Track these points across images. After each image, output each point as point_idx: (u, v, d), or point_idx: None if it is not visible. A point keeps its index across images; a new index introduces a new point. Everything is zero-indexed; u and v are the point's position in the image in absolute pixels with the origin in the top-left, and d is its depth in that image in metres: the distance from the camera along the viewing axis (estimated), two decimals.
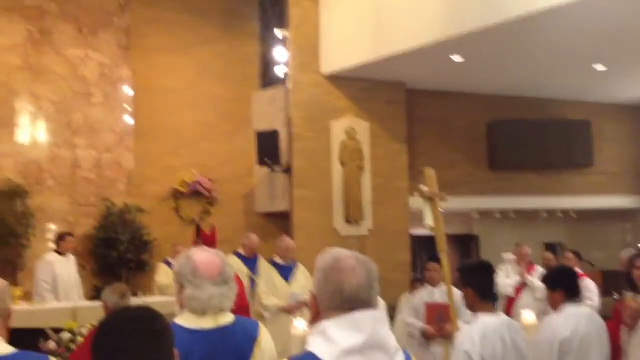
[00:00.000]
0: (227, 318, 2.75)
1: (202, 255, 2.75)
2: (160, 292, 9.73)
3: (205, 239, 8.42)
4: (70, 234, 9.64)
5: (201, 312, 2.55)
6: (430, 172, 5.03)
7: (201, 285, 2.66)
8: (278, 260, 8.23)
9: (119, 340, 1.74)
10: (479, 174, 13.10)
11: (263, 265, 8.43)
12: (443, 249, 5.04)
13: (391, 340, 2.03)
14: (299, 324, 3.25)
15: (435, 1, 9.84)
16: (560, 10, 8.32)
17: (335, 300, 2.01)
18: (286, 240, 8.50)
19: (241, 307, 5.01)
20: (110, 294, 4.95)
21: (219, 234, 9.57)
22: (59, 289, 9.09)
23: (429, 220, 5.00)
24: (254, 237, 9.03)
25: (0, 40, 10.90)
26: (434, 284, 6.75)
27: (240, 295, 5.30)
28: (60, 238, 9.48)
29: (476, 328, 3.67)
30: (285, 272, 8.19)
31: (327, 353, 1.92)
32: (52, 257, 9.34)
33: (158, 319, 1.85)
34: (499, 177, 13.29)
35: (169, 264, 9.66)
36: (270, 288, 7.99)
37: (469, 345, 3.59)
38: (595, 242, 13.50)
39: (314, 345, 1.96)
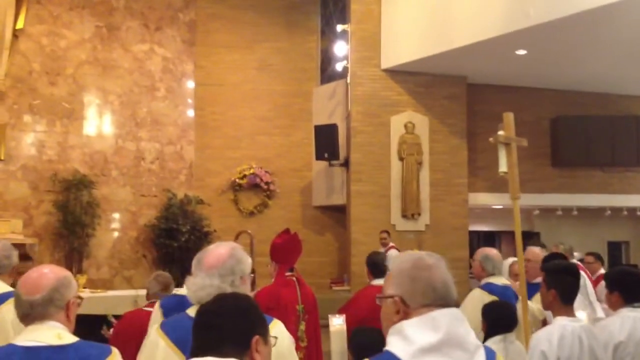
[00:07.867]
0: None
1: (215, 248, 2.76)
2: None
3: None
4: None
5: (196, 302, 2.56)
6: (509, 117, 4.88)
7: (196, 276, 2.68)
8: None
9: (211, 317, 2.00)
10: (542, 171, 12.78)
11: None
12: (516, 196, 4.82)
13: (471, 338, 2.02)
14: (336, 320, 3.19)
15: None
16: (629, 2, 8.05)
17: (428, 296, 2.03)
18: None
19: None
20: (154, 284, 5.00)
21: (276, 226, 9.57)
22: None
23: (503, 166, 4.81)
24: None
25: (69, 36, 11.30)
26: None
27: None
28: None
29: (554, 330, 3.60)
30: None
31: (404, 352, 1.94)
32: None
33: (244, 299, 2.09)
34: (562, 174, 12.94)
35: None
36: None
37: (547, 346, 3.51)
38: None
39: (392, 344, 1.99)
